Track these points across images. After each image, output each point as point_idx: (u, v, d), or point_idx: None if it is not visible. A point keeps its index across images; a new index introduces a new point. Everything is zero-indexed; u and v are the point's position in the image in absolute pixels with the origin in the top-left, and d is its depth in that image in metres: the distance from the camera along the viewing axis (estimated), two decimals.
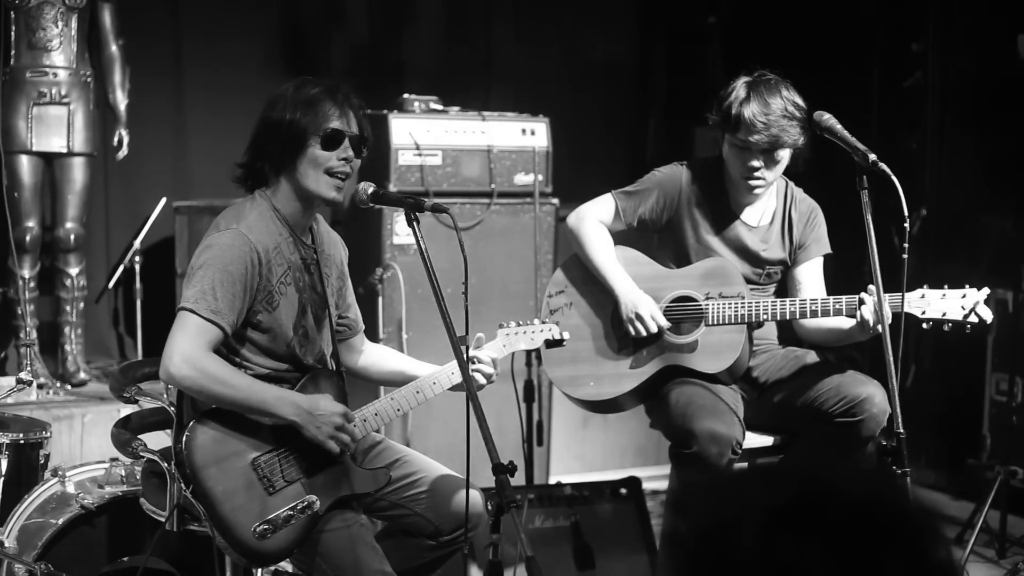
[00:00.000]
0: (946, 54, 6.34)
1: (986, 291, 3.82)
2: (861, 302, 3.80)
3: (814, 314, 3.92)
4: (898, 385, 3.55)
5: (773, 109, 3.91)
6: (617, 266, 4.16)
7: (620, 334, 4.16)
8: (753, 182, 4.03)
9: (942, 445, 6.23)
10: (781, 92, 3.96)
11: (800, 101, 3.97)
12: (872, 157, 3.61)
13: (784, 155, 3.99)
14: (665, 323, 4.06)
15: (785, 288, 4.24)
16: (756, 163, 3.98)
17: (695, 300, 4.07)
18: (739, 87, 3.99)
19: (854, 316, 3.83)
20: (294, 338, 3.43)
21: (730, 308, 4.00)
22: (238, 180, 3.47)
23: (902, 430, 3.50)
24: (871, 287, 3.71)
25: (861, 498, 1.35)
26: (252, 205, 3.40)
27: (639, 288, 4.10)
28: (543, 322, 3.74)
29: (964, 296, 3.81)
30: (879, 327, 3.68)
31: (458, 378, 3.49)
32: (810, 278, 4.19)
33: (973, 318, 3.80)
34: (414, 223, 3.26)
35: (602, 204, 4.23)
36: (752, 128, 3.92)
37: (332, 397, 3.38)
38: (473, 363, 3.53)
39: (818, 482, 1.38)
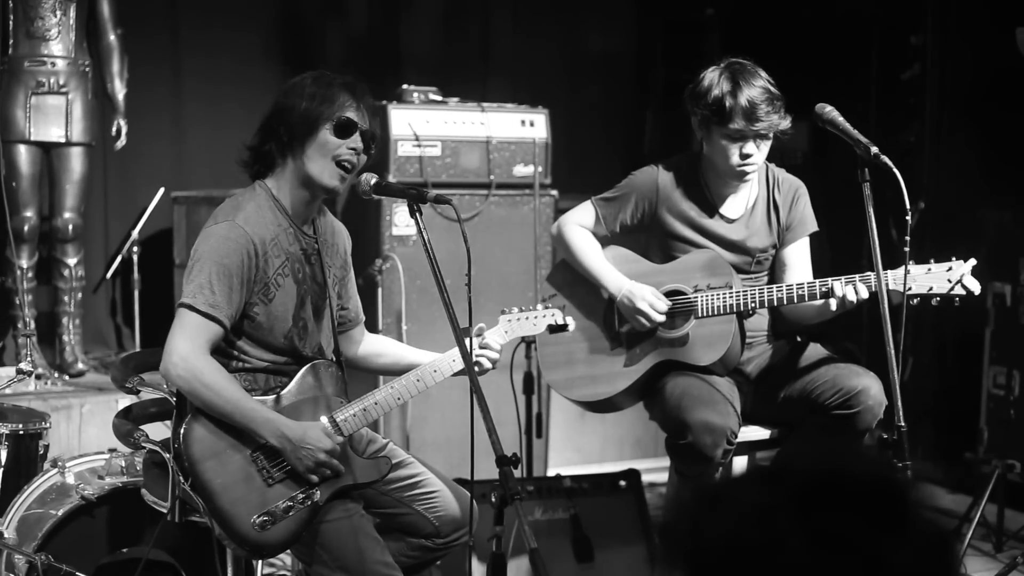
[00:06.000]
0: (944, 47, 6.34)
1: (972, 262, 3.77)
2: (832, 293, 3.80)
3: (801, 299, 3.90)
4: (899, 378, 3.55)
5: (762, 93, 3.92)
6: (606, 263, 4.18)
7: (612, 333, 4.17)
8: (748, 168, 4.01)
9: (939, 438, 6.23)
10: (760, 75, 3.97)
11: (771, 80, 3.99)
12: (874, 150, 3.60)
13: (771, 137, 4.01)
14: (666, 303, 4.05)
15: (773, 270, 4.23)
16: (750, 148, 3.97)
17: (684, 294, 4.07)
18: (719, 79, 3.98)
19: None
20: (292, 330, 3.41)
21: (719, 299, 3.99)
22: (244, 163, 3.45)
23: (903, 423, 3.50)
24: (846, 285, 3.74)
25: (871, 471, 1.40)
26: (251, 196, 3.39)
27: None
28: (546, 307, 3.73)
29: (950, 269, 3.77)
30: (852, 302, 3.73)
31: (459, 365, 3.47)
32: (796, 259, 4.19)
33: (959, 290, 3.76)
34: (417, 214, 3.25)
35: (583, 211, 4.26)
36: (751, 115, 3.91)
37: (323, 428, 3.34)
38: (481, 337, 3.53)
39: (829, 460, 1.42)
